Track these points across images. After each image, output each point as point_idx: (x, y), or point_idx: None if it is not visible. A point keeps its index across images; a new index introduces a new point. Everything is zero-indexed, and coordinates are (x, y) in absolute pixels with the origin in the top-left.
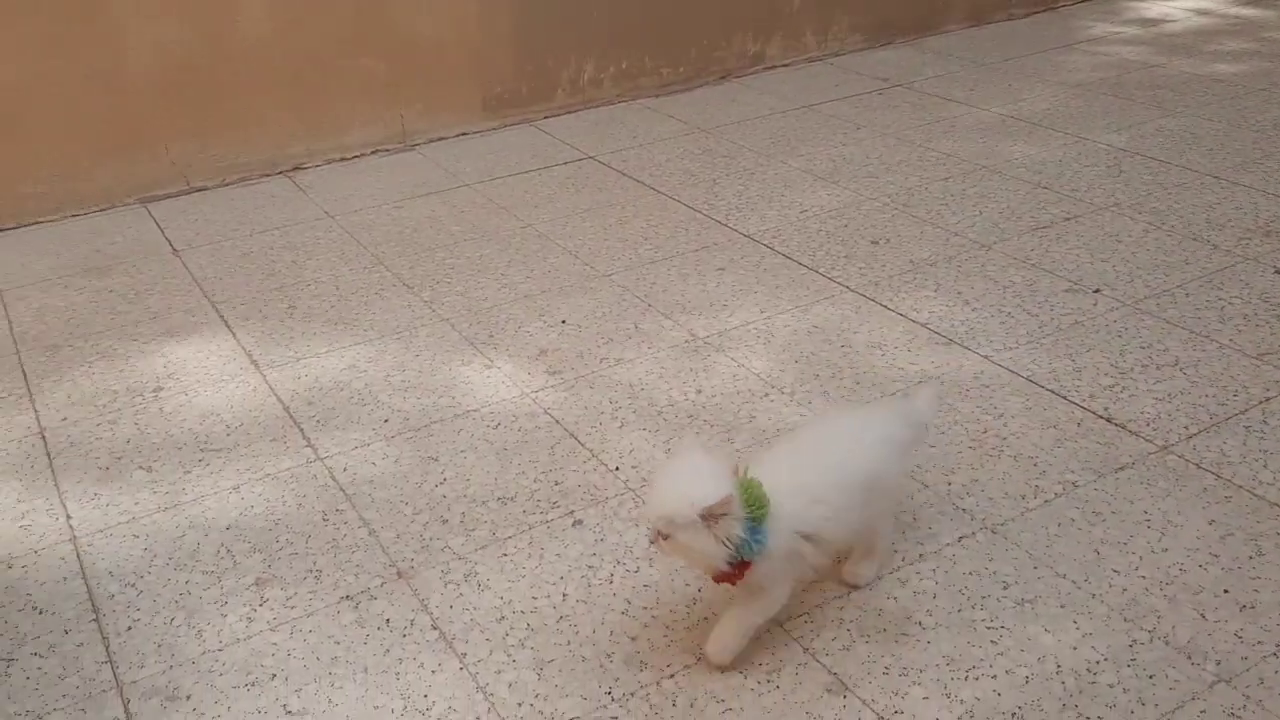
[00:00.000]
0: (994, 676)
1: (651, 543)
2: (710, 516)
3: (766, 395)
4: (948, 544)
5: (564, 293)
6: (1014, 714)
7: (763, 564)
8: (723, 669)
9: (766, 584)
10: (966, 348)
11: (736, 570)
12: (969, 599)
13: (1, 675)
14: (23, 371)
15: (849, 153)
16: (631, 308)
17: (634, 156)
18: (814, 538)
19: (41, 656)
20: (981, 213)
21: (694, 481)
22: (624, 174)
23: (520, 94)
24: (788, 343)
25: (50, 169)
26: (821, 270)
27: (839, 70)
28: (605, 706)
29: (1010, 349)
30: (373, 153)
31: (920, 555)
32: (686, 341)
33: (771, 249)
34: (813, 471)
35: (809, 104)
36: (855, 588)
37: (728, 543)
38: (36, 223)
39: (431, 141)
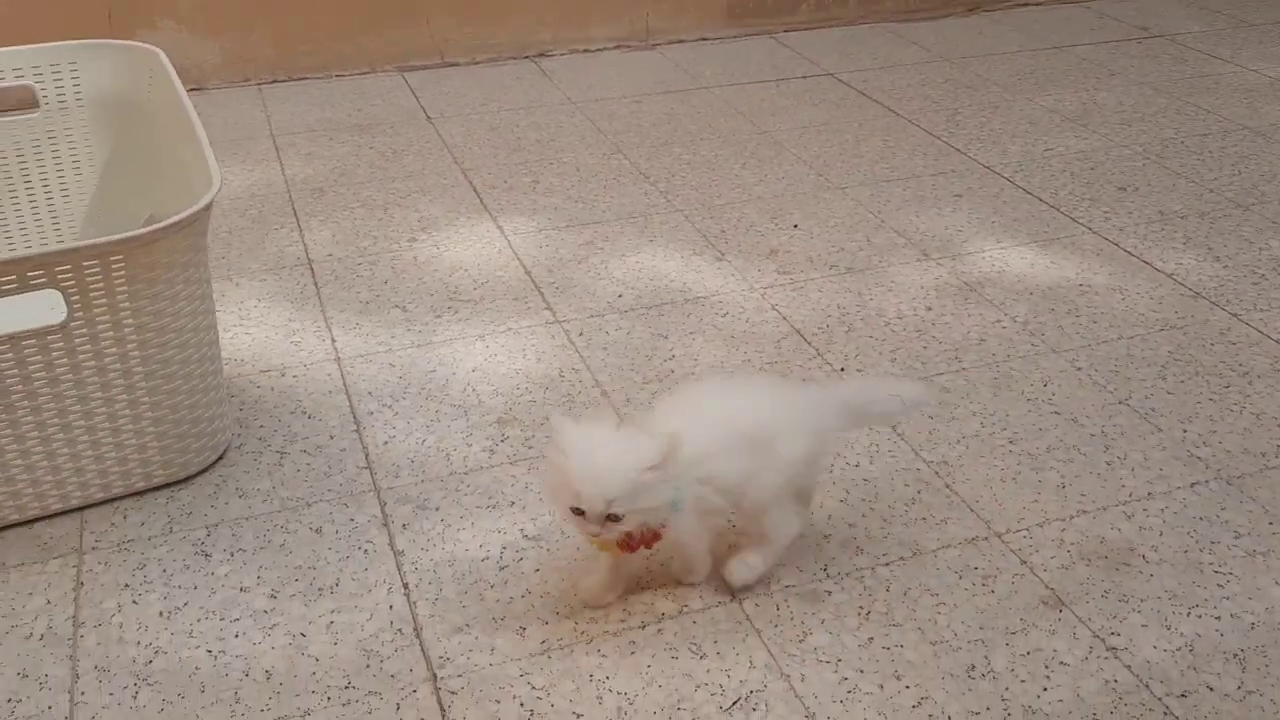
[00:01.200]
0: (1218, 618)
1: (595, 537)
2: (655, 468)
3: (998, 321)
4: (1178, 487)
5: (797, 199)
6: (1236, 655)
7: (679, 520)
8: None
9: (687, 540)
10: (1214, 304)
11: (655, 534)
12: (1196, 541)
13: (275, 464)
14: (293, 209)
15: (1101, 98)
16: (864, 221)
17: (874, 78)
18: (709, 481)
19: (310, 455)
20: (1241, 173)
21: (618, 449)
22: (863, 94)
23: (765, 4)
24: (1023, 274)
25: (324, 32)
26: (1064, 210)
27: (1095, 15)
28: (820, 581)
29: (1261, 310)
30: (615, 48)
31: (1149, 494)
32: (919, 260)
33: (1012, 183)
34: (701, 420)
35: (1060, 45)
36: (735, 588)
37: (675, 487)
38: (305, 79)
39: (672, 43)
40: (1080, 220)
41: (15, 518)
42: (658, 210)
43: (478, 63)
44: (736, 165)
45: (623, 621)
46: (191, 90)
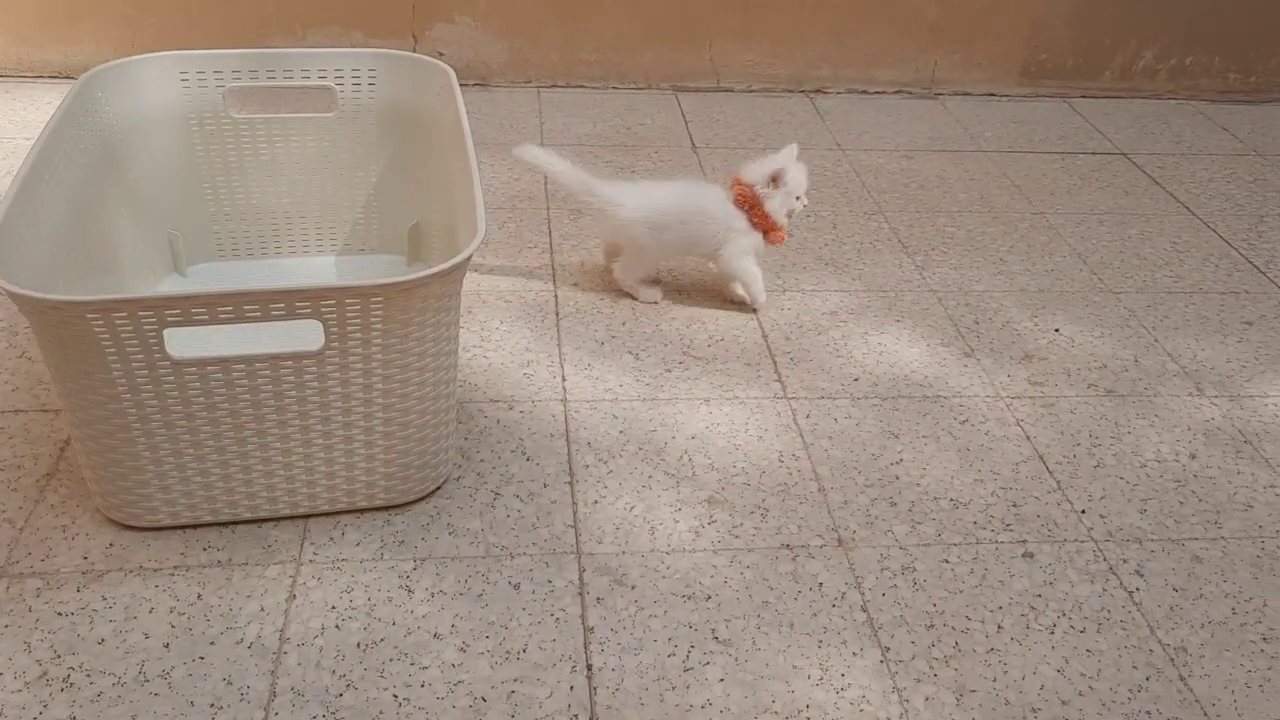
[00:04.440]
0: None
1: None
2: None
3: (1272, 486)
4: None
5: (1063, 298)
6: None
7: None
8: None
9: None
10: None
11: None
12: None
13: (488, 505)
14: (549, 229)
15: None
16: (1135, 337)
17: (1172, 165)
18: None
19: (522, 501)
20: None
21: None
22: (1156, 182)
23: (1064, 66)
24: None
25: (608, 43)
26: None
27: None
28: None
29: None
30: (895, 92)
31: None
32: (1190, 394)
33: None
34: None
35: None
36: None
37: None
38: (583, 87)
39: (956, 94)
40: None
41: (248, 515)
42: (910, 287)
43: (753, 91)
44: (1003, 248)
45: None
46: (475, 85)
